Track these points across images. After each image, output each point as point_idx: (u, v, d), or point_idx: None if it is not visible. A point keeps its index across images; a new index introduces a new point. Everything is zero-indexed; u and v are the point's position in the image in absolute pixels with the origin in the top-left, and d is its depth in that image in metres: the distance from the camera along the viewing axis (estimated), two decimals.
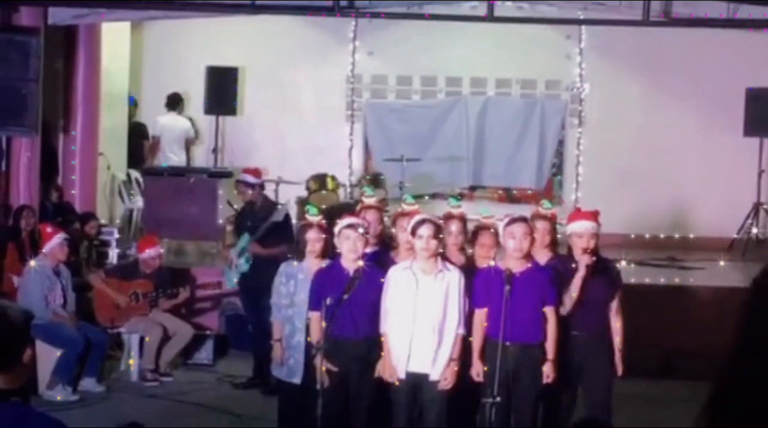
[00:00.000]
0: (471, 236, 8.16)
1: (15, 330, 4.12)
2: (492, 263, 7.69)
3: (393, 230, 8.32)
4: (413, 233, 7.42)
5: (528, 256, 7.56)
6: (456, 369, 7.47)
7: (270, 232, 10.67)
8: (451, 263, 7.71)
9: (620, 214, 15.01)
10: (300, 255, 8.24)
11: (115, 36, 14.87)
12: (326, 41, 16.45)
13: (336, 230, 7.76)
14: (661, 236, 15.70)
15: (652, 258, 14.00)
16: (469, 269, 7.80)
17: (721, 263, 13.94)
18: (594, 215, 7.85)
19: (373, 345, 7.58)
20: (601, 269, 7.81)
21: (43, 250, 10.60)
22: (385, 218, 8.97)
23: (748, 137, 15.40)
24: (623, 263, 12.92)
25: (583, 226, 7.75)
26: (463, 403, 7.98)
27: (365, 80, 16.79)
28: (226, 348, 12.13)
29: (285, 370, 8.15)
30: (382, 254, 8.24)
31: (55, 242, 10.54)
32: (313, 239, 8.11)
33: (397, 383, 7.47)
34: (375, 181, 14.28)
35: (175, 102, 16.04)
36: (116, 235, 13.36)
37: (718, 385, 2.47)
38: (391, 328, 7.46)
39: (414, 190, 14.88)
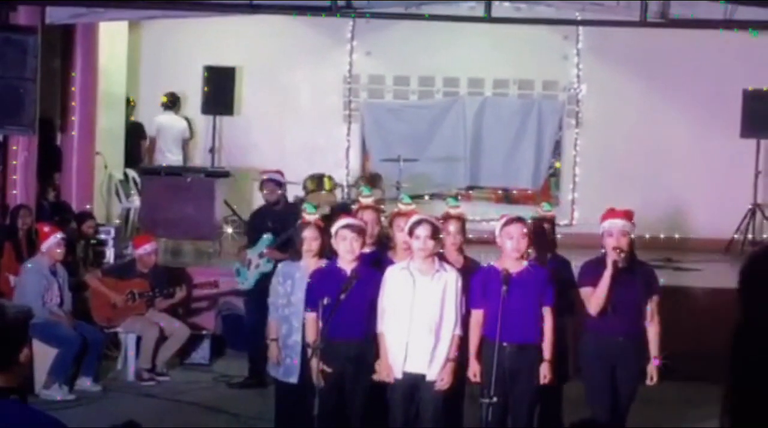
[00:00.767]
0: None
1: (13, 329, 4.13)
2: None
3: (390, 231, 8.31)
4: (410, 233, 7.43)
5: (525, 256, 7.56)
6: (453, 369, 7.47)
7: (291, 237, 10.60)
8: (449, 263, 7.71)
9: None
10: (297, 254, 8.25)
11: (112, 35, 14.86)
12: (324, 41, 16.46)
13: (333, 230, 7.75)
14: (659, 236, 15.69)
15: (648, 259, 13.89)
16: (468, 270, 7.80)
17: (718, 264, 13.95)
18: (626, 214, 7.67)
19: (369, 346, 7.58)
20: (636, 271, 7.66)
21: (40, 249, 10.61)
22: (382, 219, 8.96)
23: (744, 139, 15.42)
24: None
25: (613, 224, 7.59)
26: (460, 403, 8.03)
27: (363, 80, 16.80)
28: (223, 348, 12.13)
29: (281, 370, 8.14)
30: (379, 254, 8.24)
31: (51, 242, 10.53)
32: (310, 238, 8.10)
33: (393, 383, 7.47)
34: (372, 181, 14.27)
35: (171, 102, 16.03)
36: (113, 234, 13.34)
37: (733, 379, 2.49)
38: (388, 328, 7.46)
39: (411, 190, 14.89)
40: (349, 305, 7.36)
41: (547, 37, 15.99)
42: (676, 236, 15.92)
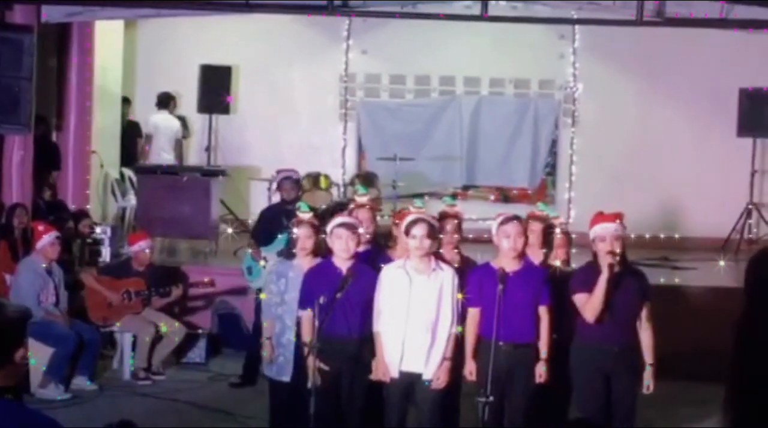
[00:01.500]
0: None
1: (10, 328, 4.12)
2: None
3: (395, 229, 8.28)
4: (407, 232, 7.42)
5: (522, 255, 7.55)
6: (449, 368, 7.47)
7: None
8: (446, 262, 7.70)
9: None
10: (291, 253, 8.24)
11: (108, 34, 14.84)
12: (320, 40, 16.46)
13: (328, 228, 7.75)
14: (655, 236, 15.70)
15: (645, 258, 13.98)
16: (464, 268, 7.80)
17: (714, 263, 13.94)
18: (616, 217, 7.52)
19: (365, 344, 7.57)
20: (629, 275, 7.54)
21: (35, 248, 10.60)
22: (381, 217, 8.97)
23: (741, 137, 15.43)
24: None
25: (605, 228, 7.44)
26: (457, 402, 8.02)
27: (359, 79, 16.80)
28: (219, 347, 12.13)
29: (275, 368, 8.14)
30: (374, 252, 8.24)
31: (46, 241, 10.52)
32: (304, 237, 8.09)
33: (390, 381, 7.46)
34: (368, 180, 14.26)
35: (165, 101, 16.02)
36: (109, 233, 13.33)
37: (732, 378, 2.50)
38: (385, 327, 7.46)
39: (407, 189, 14.92)
40: (345, 303, 7.36)
41: (543, 36, 16.00)
42: (673, 235, 15.93)
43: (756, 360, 2.37)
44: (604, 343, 7.40)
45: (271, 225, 10.99)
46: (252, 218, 14.92)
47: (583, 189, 16.17)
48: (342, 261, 7.62)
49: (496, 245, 7.57)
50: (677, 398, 9.99)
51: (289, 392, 8.01)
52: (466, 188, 16.60)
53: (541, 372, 7.49)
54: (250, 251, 11.24)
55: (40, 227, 10.72)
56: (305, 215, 8.21)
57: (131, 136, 16.02)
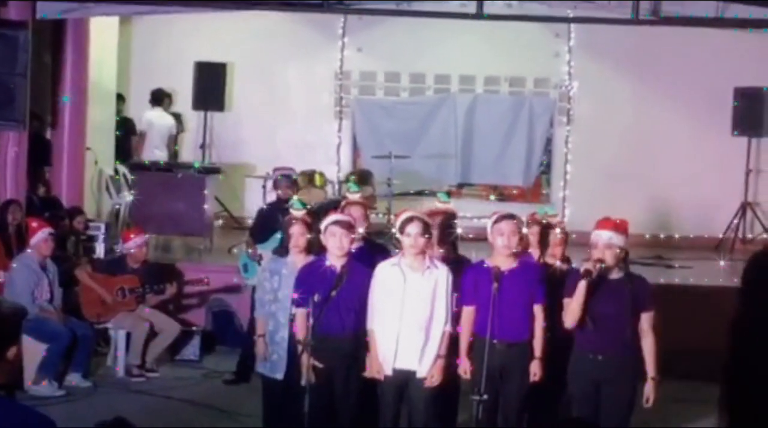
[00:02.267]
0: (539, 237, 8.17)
1: (4, 325, 4.11)
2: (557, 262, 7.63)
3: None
4: (401, 230, 7.42)
5: (517, 254, 7.55)
6: (443, 366, 7.47)
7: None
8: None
9: (607, 212, 14.94)
10: (284, 250, 8.24)
11: (103, 31, 14.81)
12: (315, 38, 16.45)
13: (322, 226, 7.75)
14: (650, 234, 15.70)
15: (639, 257, 13.98)
16: (457, 266, 7.80)
17: (709, 262, 13.96)
18: (617, 225, 7.28)
19: (359, 342, 7.57)
20: (624, 284, 7.19)
21: (30, 245, 10.59)
22: (376, 215, 8.97)
23: (735, 136, 15.45)
24: None
25: (598, 236, 7.21)
26: (454, 400, 8.03)
27: (354, 77, 16.80)
28: (213, 344, 12.12)
29: (268, 366, 8.14)
30: (367, 250, 8.23)
31: (39, 237, 10.51)
32: (297, 234, 8.09)
33: (384, 379, 7.47)
34: (363, 178, 14.26)
35: (159, 98, 16.00)
36: (103, 230, 13.32)
37: (728, 377, 2.50)
38: (379, 325, 7.46)
39: (402, 187, 14.92)
40: (339, 301, 7.36)
41: (538, 34, 15.99)
42: (667, 234, 15.93)
43: (751, 360, 2.37)
44: (590, 351, 7.20)
45: (268, 223, 10.98)
46: (247, 215, 14.93)
47: (577, 188, 16.18)
48: (336, 259, 7.61)
49: (491, 243, 7.56)
50: (672, 397, 9.99)
51: (283, 389, 8.01)
52: (460, 186, 16.60)
53: (535, 370, 7.49)
54: (247, 249, 11.23)
55: (34, 224, 10.70)
56: (298, 212, 8.22)
57: (126, 133, 16.00)
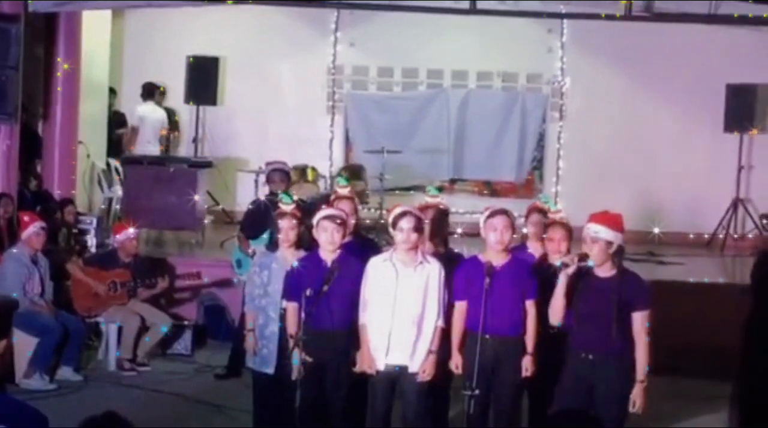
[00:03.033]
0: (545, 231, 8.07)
1: None
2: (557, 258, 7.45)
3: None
4: (394, 225, 7.42)
5: (510, 249, 7.55)
6: (435, 361, 7.47)
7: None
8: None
9: (599, 208, 14.98)
10: (274, 245, 8.23)
11: (96, 24, 14.79)
12: (308, 32, 16.44)
13: (314, 220, 7.74)
14: (641, 230, 15.71)
15: (630, 253, 13.97)
16: (450, 261, 7.79)
17: (700, 258, 13.98)
18: (604, 219, 7.02)
19: (350, 336, 7.57)
20: (614, 282, 6.90)
21: (21, 238, 10.58)
22: (368, 210, 8.95)
23: (728, 133, 15.48)
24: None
25: (586, 229, 6.99)
26: (445, 396, 8.03)
27: (347, 71, 16.80)
28: (205, 339, 12.11)
29: (258, 360, 8.13)
30: (356, 244, 8.22)
31: (31, 231, 10.49)
32: (287, 228, 8.08)
33: (375, 374, 7.46)
34: (354, 172, 14.26)
35: (150, 91, 15.98)
36: (95, 224, 13.31)
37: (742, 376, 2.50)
38: (370, 319, 7.45)
39: (395, 182, 14.92)
40: (330, 295, 7.35)
41: (531, 29, 16.00)
42: (659, 230, 15.94)
43: (765, 358, 2.36)
44: (579, 350, 6.97)
45: (259, 218, 10.94)
46: (239, 209, 14.92)
47: (569, 183, 16.20)
48: (328, 253, 7.60)
49: (484, 238, 7.56)
50: (664, 393, 10.00)
51: (273, 384, 8.01)
52: (453, 181, 16.60)
53: (527, 365, 7.48)
54: (240, 244, 11.21)
55: (26, 217, 10.69)
56: (287, 206, 8.20)
57: (117, 126, 15.99)
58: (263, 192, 12.50)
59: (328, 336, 7.50)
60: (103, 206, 15.11)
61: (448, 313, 7.50)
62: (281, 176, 11.22)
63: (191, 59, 15.84)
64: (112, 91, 16.16)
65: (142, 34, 16.43)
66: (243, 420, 8.93)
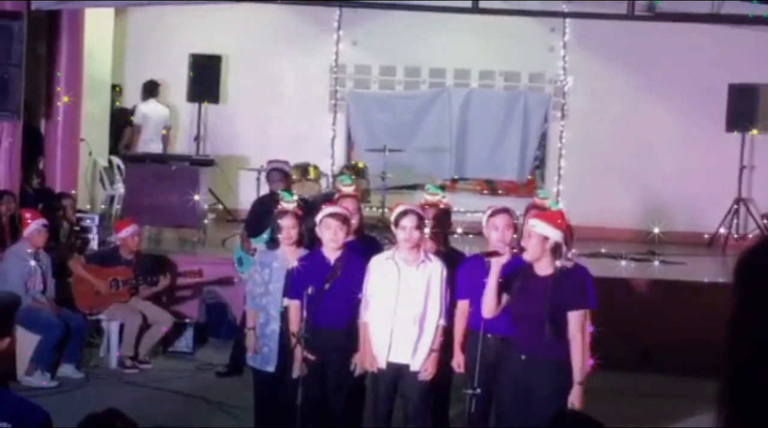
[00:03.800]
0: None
1: None
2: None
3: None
4: (396, 223, 7.42)
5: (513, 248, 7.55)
6: (436, 359, 7.47)
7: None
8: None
9: (601, 207, 15.07)
10: (275, 243, 8.24)
11: (98, 22, 14.80)
12: (310, 30, 16.43)
13: (317, 219, 7.74)
14: (643, 230, 15.71)
15: (632, 252, 14.02)
16: (452, 260, 7.80)
17: (702, 258, 13.97)
18: (543, 215, 6.97)
19: (353, 335, 7.57)
20: (556, 280, 6.74)
21: (23, 235, 10.59)
22: (370, 209, 8.95)
23: (729, 133, 15.47)
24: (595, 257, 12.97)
25: (526, 224, 7.03)
26: (447, 394, 8.04)
27: (349, 70, 16.79)
28: (206, 337, 12.12)
29: (259, 358, 8.14)
30: (359, 243, 8.23)
31: (33, 228, 10.51)
32: (288, 227, 8.08)
33: (377, 373, 7.47)
34: (356, 171, 14.27)
35: (152, 89, 15.98)
36: (97, 221, 13.31)
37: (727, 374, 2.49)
38: (373, 318, 7.46)
39: (397, 181, 14.92)
40: (333, 293, 7.35)
41: (533, 29, 15.99)
42: (661, 229, 15.93)
43: (749, 356, 2.36)
44: (515, 350, 6.87)
45: (261, 216, 10.94)
46: (240, 207, 14.92)
47: (571, 183, 16.18)
48: (331, 251, 7.61)
49: (486, 237, 7.56)
50: (660, 392, 10.01)
51: (274, 382, 8.02)
52: (455, 180, 16.60)
53: None
54: (241, 243, 11.21)
55: (28, 215, 10.70)
56: (289, 204, 8.20)
57: (120, 124, 15.99)
58: (265, 191, 12.52)
59: (329, 334, 7.51)
60: (104, 206, 15.11)
61: (450, 312, 7.51)
62: (279, 175, 11.22)
63: (193, 57, 15.84)
64: (116, 89, 16.16)
65: (144, 32, 16.43)
66: (244, 417, 8.94)
